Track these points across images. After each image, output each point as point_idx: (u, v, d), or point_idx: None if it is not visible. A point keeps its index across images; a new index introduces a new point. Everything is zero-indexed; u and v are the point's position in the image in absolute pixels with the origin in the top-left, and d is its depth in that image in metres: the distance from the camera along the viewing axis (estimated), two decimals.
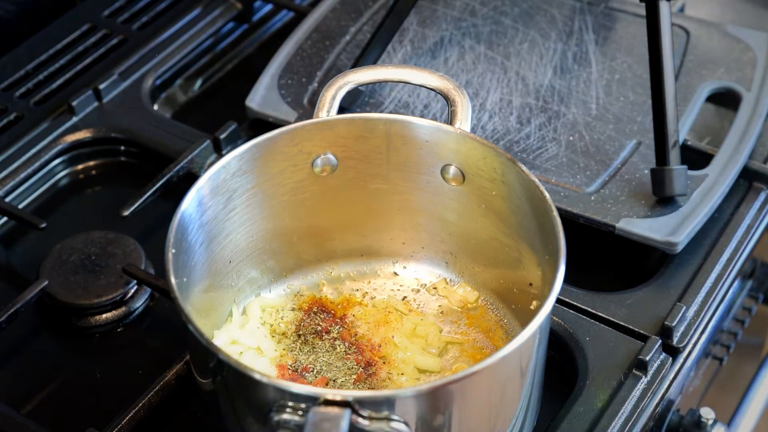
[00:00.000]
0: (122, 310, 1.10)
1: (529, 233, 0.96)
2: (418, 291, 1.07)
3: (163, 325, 1.11)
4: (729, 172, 1.14)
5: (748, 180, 1.18)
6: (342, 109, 1.01)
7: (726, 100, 1.25)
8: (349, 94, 1.05)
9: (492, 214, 1.00)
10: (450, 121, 0.99)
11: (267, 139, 0.98)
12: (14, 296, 1.07)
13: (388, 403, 0.81)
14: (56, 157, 1.25)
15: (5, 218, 1.20)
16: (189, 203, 0.93)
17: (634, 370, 1.01)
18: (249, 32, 1.45)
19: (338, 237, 1.07)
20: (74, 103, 1.27)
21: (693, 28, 1.32)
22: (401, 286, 1.07)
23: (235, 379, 0.85)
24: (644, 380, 1.01)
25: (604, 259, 1.15)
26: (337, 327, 1.02)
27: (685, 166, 1.11)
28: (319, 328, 1.02)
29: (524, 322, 0.91)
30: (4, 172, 1.22)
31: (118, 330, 1.10)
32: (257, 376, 0.81)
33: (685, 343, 1.04)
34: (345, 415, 0.79)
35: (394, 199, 1.05)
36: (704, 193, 1.12)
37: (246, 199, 0.99)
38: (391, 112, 1.22)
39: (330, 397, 0.79)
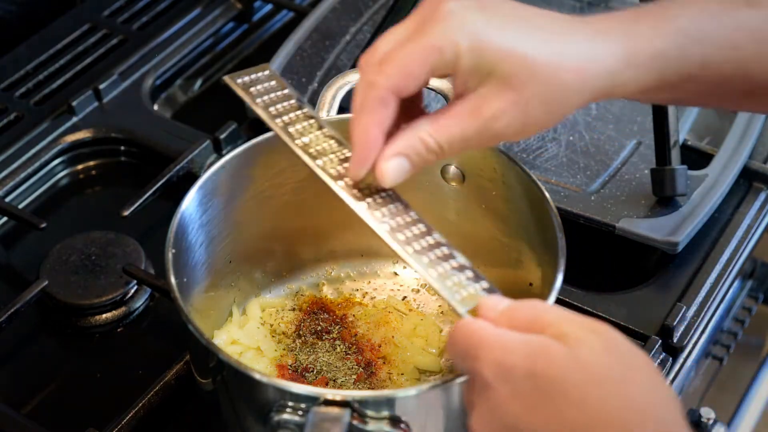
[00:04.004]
0: (122, 310, 1.10)
1: (529, 233, 0.96)
2: (418, 291, 1.07)
3: (163, 325, 1.11)
4: (729, 172, 1.14)
5: (748, 180, 1.18)
6: (342, 109, 1.01)
7: None
8: (349, 94, 1.05)
9: (492, 214, 1.00)
10: None
11: (267, 139, 0.97)
12: (14, 296, 1.07)
13: (388, 403, 0.80)
14: (56, 157, 1.25)
15: (5, 218, 1.20)
16: (189, 203, 0.93)
17: None
18: (249, 32, 1.45)
19: (338, 237, 1.07)
20: (74, 103, 1.27)
21: None
22: (401, 286, 1.07)
23: (235, 379, 0.85)
24: None
25: (604, 259, 1.15)
26: (337, 327, 1.02)
27: (685, 166, 1.11)
28: (319, 328, 1.01)
29: None
30: (4, 172, 1.22)
31: (118, 330, 1.10)
32: (257, 376, 0.81)
33: (685, 343, 1.04)
34: (345, 415, 0.79)
35: None
36: (704, 193, 1.12)
37: (246, 199, 0.99)
38: None
39: (330, 397, 0.79)
